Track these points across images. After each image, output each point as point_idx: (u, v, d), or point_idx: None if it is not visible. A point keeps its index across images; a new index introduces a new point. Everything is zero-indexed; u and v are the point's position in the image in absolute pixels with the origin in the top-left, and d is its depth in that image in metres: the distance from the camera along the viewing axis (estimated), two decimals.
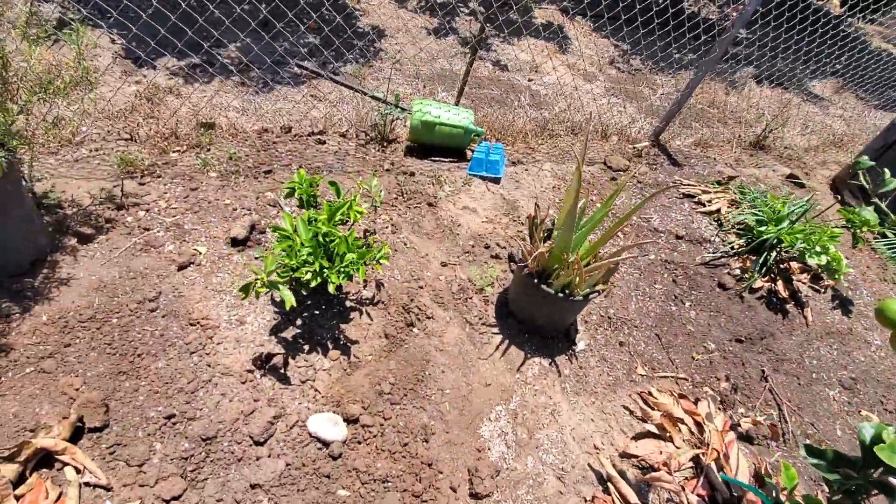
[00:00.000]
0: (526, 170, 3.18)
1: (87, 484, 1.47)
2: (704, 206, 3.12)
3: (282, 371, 1.83)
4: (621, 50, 6.50)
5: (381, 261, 1.89)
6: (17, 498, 1.41)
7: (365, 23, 5.49)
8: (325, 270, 1.69)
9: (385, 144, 3.22)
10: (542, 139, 3.61)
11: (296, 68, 4.35)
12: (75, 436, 1.56)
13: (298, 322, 2.00)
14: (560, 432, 1.97)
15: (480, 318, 2.25)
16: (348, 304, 2.11)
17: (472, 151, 3.19)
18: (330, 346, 1.95)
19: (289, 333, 1.96)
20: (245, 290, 1.58)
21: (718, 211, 3.05)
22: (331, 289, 1.68)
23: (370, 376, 1.90)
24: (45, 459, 1.50)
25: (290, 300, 1.61)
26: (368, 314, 2.09)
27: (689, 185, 3.36)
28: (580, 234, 2.08)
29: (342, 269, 1.71)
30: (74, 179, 2.39)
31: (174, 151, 2.75)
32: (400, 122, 3.37)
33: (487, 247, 2.57)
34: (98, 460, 1.53)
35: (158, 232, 2.22)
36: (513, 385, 2.07)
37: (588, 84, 5.41)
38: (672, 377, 2.29)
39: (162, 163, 2.62)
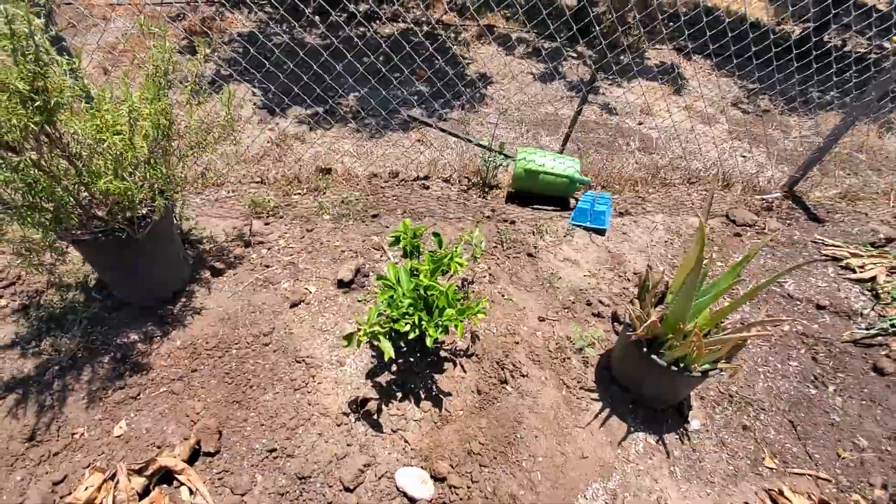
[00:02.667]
0: (635, 221, 2.99)
1: None
2: (855, 272, 2.67)
3: (375, 417, 1.85)
4: (747, 89, 6.01)
5: (479, 315, 1.86)
6: None
7: (473, 70, 5.71)
8: (423, 323, 1.71)
9: (487, 190, 3.25)
10: (653, 187, 3.40)
11: (405, 115, 4.60)
12: (192, 457, 1.70)
13: (394, 368, 2.03)
14: None
15: (579, 382, 2.11)
16: (443, 353, 2.10)
17: (577, 200, 3.10)
18: (422, 396, 1.95)
19: (383, 378, 1.99)
20: (348, 339, 1.64)
21: (874, 279, 2.59)
22: (428, 342, 1.69)
23: (460, 433, 1.85)
24: (166, 476, 1.65)
25: (389, 352, 1.64)
26: (462, 367, 2.06)
27: (833, 245, 2.92)
28: (701, 301, 1.88)
29: (440, 324, 1.71)
30: (213, 218, 2.71)
31: (296, 194, 3.02)
32: (503, 168, 3.39)
33: (589, 303, 2.43)
34: (208, 484, 1.65)
35: (276, 269, 2.42)
36: (613, 461, 1.88)
37: (707, 127, 5.05)
38: (811, 476, 1.93)
39: (285, 204, 2.89)
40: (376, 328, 1.64)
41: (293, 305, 2.22)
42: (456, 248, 2.01)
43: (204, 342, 2.04)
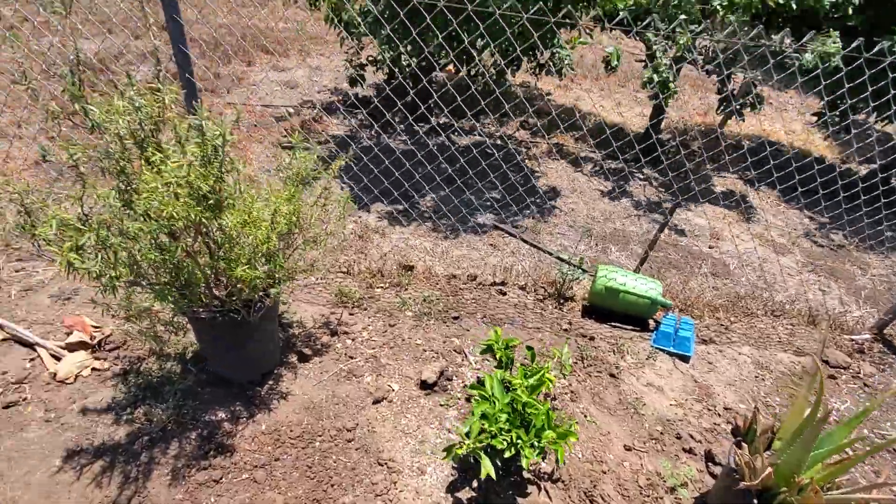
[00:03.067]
0: (720, 351, 2.88)
1: None
2: None
3: None
4: (817, 223, 5.95)
5: (569, 438, 1.79)
6: None
7: (542, 183, 6.02)
8: (520, 442, 1.65)
9: (562, 302, 3.26)
10: (734, 316, 3.30)
11: (480, 219, 4.82)
12: None
13: (475, 484, 1.93)
14: None
15: None
16: (525, 474, 1.99)
17: (656, 322, 3.05)
18: None
19: (464, 495, 1.89)
20: (448, 451, 1.61)
21: None
22: (524, 463, 1.62)
23: None
24: None
25: (490, 471, 1.58)
26: (547, 492, 1.93)
27: None
28: (816, 454, 1.73)
29: (537, 445, 1.65)
30: (303, 303, 2.84)
31: (379, 287, 3.14)
32: (578, 281, 3.42)
33: (679, 437, 2.28)
34: None
35: (359, 361, 2.45)
36: None
37: (779, 256, 4.97)
38: None
39: (368, 297, 3.00)
40: (476, 443, 1.60)
41: (376, 402, 2.21)
42: (548, 363, 2.00)
43: (288, 430, 2.05)
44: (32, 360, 2.29)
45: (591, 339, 2.84)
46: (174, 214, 1.48)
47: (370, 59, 6.75)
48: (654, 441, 2.25)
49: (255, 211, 1.80)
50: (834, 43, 4.57)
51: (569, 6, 4.91)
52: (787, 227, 5.70)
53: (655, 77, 5.06)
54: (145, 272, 1.73)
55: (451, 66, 8.31)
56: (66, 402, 2.11)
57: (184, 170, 1.50)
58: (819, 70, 4.26)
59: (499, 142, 6.77)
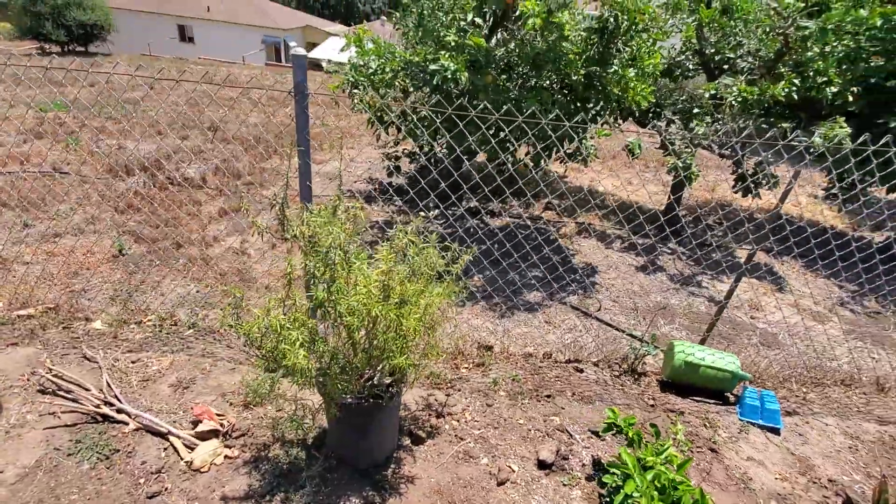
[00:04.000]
0: (806, 422, 2.98)
1: None
2: None
3: None
4: (847, 290, 6.18)
5: None
6: None
7: (578, 260, 6.32)
8: None
9: (637, 378, 3.39)
10: (805, 387, 3.42)
11: (528, 297, 5.04)
12: None
13: None
14: None
15: None
16: None
17: (735, 396, 3.17)
18: None
19: None
20: None
21: None
22: None
23: None
24: None
25: None
26: None
27: None
28: None
29: None
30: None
31: (464, 368, 3.28)
32: (647, 357, 3.57)
33: None
34: None
35: (470, 443, 2.55)
36: None
37: (820, 325, 5.14)
38: None
39: (457, 378, 3.13)
40: None
41: (500, 483, 2.29)
42: (668, 441, 2.12)
43: None
44: (165, 448, 2.39)
45: (681, 413, 2.94)
46: (373, 312, 1.70)
47: (405, 151, 7.35)
48: None
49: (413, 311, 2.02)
50: (841, 128, 5.07)
51: (598, 107, 5.52)
52: (818, 296, 5.91)
53: (679, 162, 5.53)
54: (320, 363, 1.91)
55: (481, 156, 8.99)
56: (206, 491, 2.19)
57: (383, 275, 1.74)
58: (825, 150, 4.77)
59: (528, 222, 7.17)
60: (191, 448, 2.38)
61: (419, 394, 2.91)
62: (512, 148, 6.21)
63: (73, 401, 2.58)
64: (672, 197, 7.12)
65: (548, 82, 5.43)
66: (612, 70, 4.95)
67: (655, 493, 1.80)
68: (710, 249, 7.02)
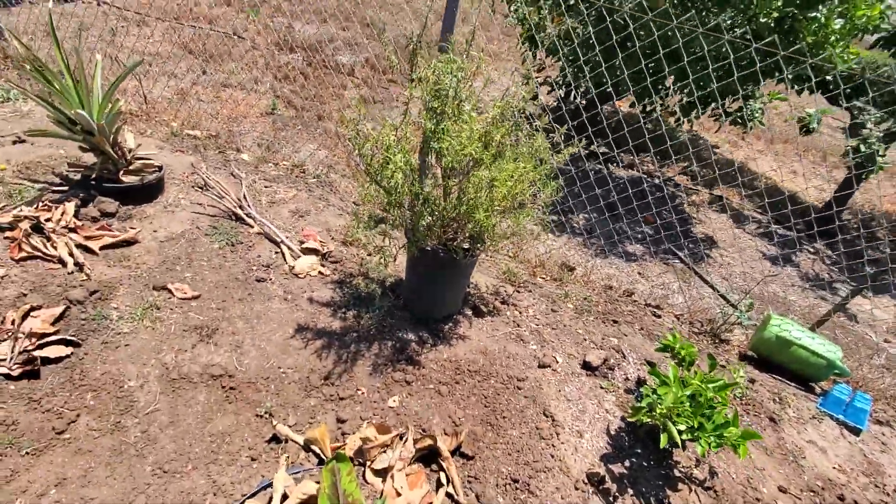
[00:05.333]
0: None
1: (448, 495, 1.76)
2: None
3: (611, 500, 1.87)
4: None
5: (753, 439, 1.83)
6: (407, 474, 1.79)
7: (699, 230, 5.84)
8: (698, 431, 1.75)
9: (717, 342, 3.21)
10: None
11: (629, 248, 4.86)
12: (451, 452, 1.91)
13: (626, 463, 2.05)
14: None
15: None
16: (677, 473, 2.06)
17: (823, 390, 2.89)
18: None
19: (616, 469, 2.02)
20: (636, 411, 1.76)
21: None
22: (699, 450, 1.72)
23: None
24: (429, 456, 1.88)
25: (675, 437, 1.71)
26: (698, 496, 1.99)
27: None
28: None
29: (715, 437, 1.74)
30: (476, 272, 3.17)
31: (541, 277, 3.38)
32: (736, 327, 3.33)
33: (842, 498, 2.17)
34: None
35: (525, 331, 2.69)
36: None
37: None
38: None
39: (531, 282, 3.24)
40: (659, 418, 1.74)
41: (542, 366, 2.43)
42: (724, 379, 2.05)
43: (467, 364, 2.35)
44: (276, 253, 2.88)
45: (752, 381, 2.77)
46: (470, 153, 1.85)
47: (548, 79, 7.11)
48: (812, 493, 2.17)
49: (506, 171, 2.13)
50: None
51: (779, 57, 4.78)
52: None
53: (863, 147, 4.70)
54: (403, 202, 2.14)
55: (623, 101, 8.40)
56: (299, 291, 2.64)
57: (486, 124, 1.87)
58: None
59: (657, 181, 6.69)
60: (295, 257, 2.84)
61: (490, 282, 3.09)
62: (664, 93, 5.73)
63: (218, 197, 3.18)
64: (837, 192, 6.13)
65: (729, 21, 4.79)
66: (813, 16, 4.21)
67: (688, 402, 1.80)
68: (864, 262, 6.00)
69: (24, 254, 2.38)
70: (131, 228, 2.74)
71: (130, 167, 2.94)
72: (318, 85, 6.78)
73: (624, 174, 6.79)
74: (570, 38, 5.34)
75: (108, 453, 1.78)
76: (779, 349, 2.89)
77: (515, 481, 1.85)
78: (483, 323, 2.68)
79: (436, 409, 2.09)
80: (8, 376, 1.91)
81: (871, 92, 5.65)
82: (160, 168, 3.06)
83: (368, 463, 1.81)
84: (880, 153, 4.63)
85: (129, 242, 2.65)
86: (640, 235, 5.39)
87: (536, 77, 6.99)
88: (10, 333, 2.00)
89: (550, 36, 5.44)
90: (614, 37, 3.62)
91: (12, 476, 1.66)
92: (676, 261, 4.98)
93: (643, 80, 4.64)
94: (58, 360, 2.02)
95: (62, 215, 2.59)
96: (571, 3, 5.30)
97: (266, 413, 1.99)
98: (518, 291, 3.07)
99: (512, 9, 5.61)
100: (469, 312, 2.74)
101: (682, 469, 2.09)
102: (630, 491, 1.94)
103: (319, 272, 2.79)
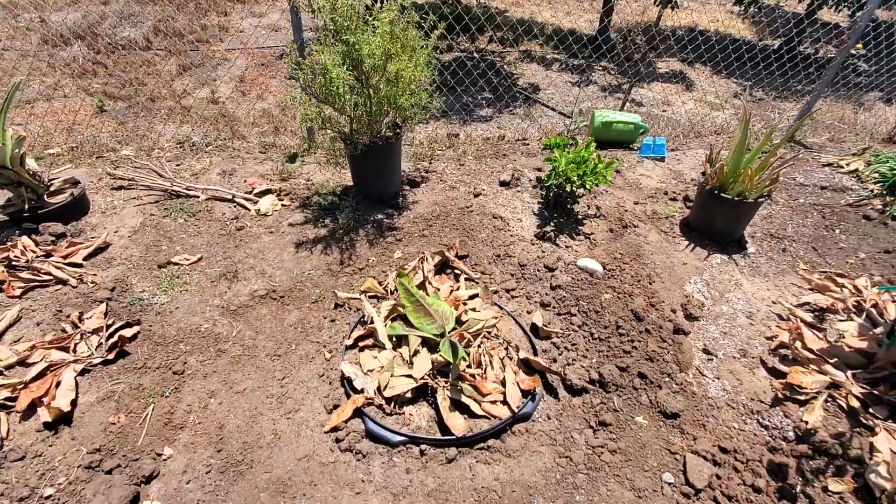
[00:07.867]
0: (684, 154, 4.19)
1: (467, 278, 2.68)
2: (843, 167, 3.84)
3: (554, 241, 2.96)
4: (742, 85, 7.38)
5: (613, 165, 3.00)
6: (435, 277, 2.65)
7: (522, 81, 7.10)
8: (584, 177, 2.85)
9: (573, 144, 4.45)
10: (689, 137, 4.61)
11: (481, 113, 5.87)
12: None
13: (552, 224, 3.15)
14: (744, 294, 2.81)
15: (670, 231, 3.22)
16: (580, 216, 3.23)
17: (637, 147, 4.30)
18: (576, 234, 3.06)
19: (549, 228, 3.11)
20: (548, 177, 2.78)
21: (856, 170, 3.75)
22: (587, 185, 2.83)
23: (605, 249, 2.95)
24: (441, 268, 2.75)
25: (575, 182, 2.78)
26: (596, 220, 3.18)
27: (827, 157, 4.09)
28: (746, 158, 3.03)
29: (594, 176, 2.86)
30: None
31: (439, 150, 4.23)
32: (579, 131, 4.61)
33: (665, 193, 3.58)
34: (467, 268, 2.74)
35: (452, 182, 3.58)
36: (702, 267, 2.97)
37: (716, 112, 6.34)
38: (831, 273, 3.01)
39: (436, 156, 4.08)
40: (561, 175, 2.79)
41: (476, 195, 3.36)
42: (603, 160, 3.18)
43: (428, 214, 3.18)
44: (235, 206, 3.28)
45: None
46: (386, 49, 2.50)
47: None
48: (651, 198, 3.53)
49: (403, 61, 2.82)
50: None
51: None
52: (718, 92, 7.07)
53: None
54: (341, 106, 2.75)
55: None
56: (275, 223, 3.15)
57: (389, 26, 2.50)
58: None
59: (475, 55, 7.72)
60: (254, 203, 3.28)
61: (409, 165, 3.86)
62: None
63: (147, 188, 3.36)
64: (601, 21, 7.74)
65: None
66: None
67: (573, 163, 2.89)
68: (635, 64, 7.91)
69: (20, 289, 2.53)
70: (94, 237, 2.92)
71: (52, 188, 2.99)
72: (125, 69, 6.27)
73: (448, 57, 7.66)
74: None
75: (229, 366, 2.33)
76: (605, 130, 4.19)
77: (498, 255, 2.83)
78: (422, 189, 3.49)
79: (428, 245, 2.93)
80: (106, 362, 2.28)
81: None
82: (77, 181, 3.13)
83: (408, 283, 2.62)
84: None
85: (102, 248, 2.86)
86: (483, 102, 6.45)
87: None
88: (80, 335, 2.31)
89: None
90: None
91: (172, 409, 2.16)
92: (518, 108, 6.17)
93: None
94: (132, 338, 2.41)
95: (25, 248, 2.69)
96: None
97: (318, 298, 2.65)
98: (430, 163, 3.90)
99: None
100: (407, 187, 3.52)
101: (583, 213, 3.26)
102: (561, 232, 3.06)
103: (282, 206, 3.29)
